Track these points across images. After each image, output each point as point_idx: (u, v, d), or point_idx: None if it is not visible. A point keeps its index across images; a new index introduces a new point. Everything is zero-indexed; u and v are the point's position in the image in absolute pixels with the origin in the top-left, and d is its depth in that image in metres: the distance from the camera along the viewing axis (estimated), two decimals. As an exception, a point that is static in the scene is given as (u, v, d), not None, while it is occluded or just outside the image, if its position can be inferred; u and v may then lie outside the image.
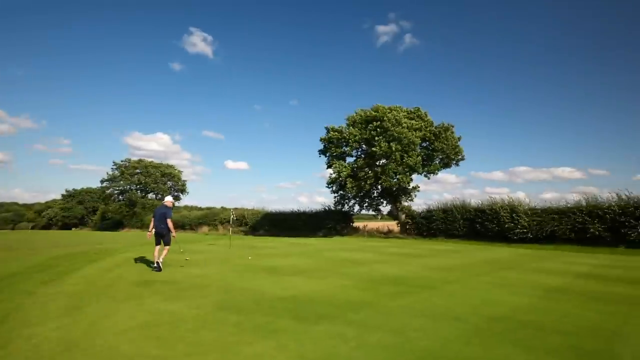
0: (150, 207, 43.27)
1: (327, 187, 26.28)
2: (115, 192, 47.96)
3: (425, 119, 25.16)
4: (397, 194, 25.67)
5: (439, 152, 24.86)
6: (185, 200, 68.89)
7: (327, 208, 28.11)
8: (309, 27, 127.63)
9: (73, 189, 62.50)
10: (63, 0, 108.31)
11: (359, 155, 26.13)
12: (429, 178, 25.84)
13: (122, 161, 47.89)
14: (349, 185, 24.24)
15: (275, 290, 6.23)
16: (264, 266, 9.24)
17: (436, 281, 7.40)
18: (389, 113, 23.71)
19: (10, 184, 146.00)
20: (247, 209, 33.75)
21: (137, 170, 47.29)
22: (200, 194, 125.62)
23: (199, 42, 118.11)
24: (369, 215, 29.96)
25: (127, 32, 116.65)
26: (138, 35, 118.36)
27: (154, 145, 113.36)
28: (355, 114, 25.48)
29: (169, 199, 9.22)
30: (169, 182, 49.13)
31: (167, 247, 8.93)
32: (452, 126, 25.26)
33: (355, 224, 28.29)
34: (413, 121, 24.15)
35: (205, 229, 34.23)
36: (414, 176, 25.25)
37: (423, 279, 7.61)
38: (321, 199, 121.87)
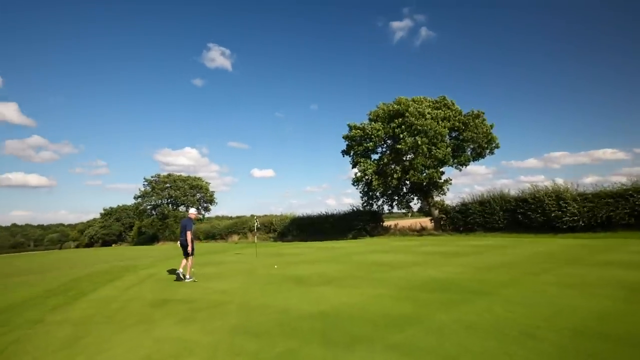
0: (182, 219, 43.95)
1: (353, 185, 25.39)
2: (148, 207, 49.25)
3: (453, 108, 23.64)
4: (428, 188, 24.29)
5: (470, 141, 23.24)
6: (217, 211, 70.12)
7: (355, 209, 27.09)
8: (324, 32, 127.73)
9: (110, 207, 65.45)
10: (88, 32, 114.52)
11: (384, 151, 25.01)
12: (460, 170, 24.32)
13: (152, 177, 49.19)
14: (375, 183, 23.18)
15: (302, 305, 5.45)
16: (290, 275, 8.50)
17: (489, 284, 6.31)
18: (411, 106, 22.48)
19: (56, 207, 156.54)
20: (274, 215, 33.44)
21: (167, 185, 48.44)
22: (230, 204, 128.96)
23: (217, 57, 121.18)
24: (399, 213, 28.70)
25: (149, 53, 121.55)
26: (159, 54, 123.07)
27: (183, 160, 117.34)
28: (377, 109, 24.43)
29: (192, 211, 9.05)
30: (197, 194, 49.91)
31: (190, 257, 8.56)
32: (483, 113, 23.60)
33: (386, 224, 27.08)
34: (439, 111, 22.75)
35: (235, 237, 34.21)
36: (445, 169, 23.86)
37: (472, 282, 6.54)
38: (349, 200, 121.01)
